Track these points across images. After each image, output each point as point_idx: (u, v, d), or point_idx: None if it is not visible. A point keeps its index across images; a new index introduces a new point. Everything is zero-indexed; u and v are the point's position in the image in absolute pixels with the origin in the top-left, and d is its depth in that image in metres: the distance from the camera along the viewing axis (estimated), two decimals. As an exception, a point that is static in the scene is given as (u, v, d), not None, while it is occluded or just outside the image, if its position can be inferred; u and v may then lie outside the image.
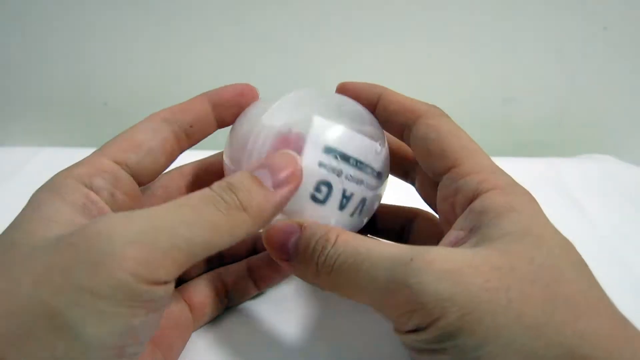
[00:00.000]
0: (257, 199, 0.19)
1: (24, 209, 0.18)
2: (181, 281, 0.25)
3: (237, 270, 0.27)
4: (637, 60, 0.49)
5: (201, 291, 0.25)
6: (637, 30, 0.47)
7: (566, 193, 0.40)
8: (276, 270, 0.27)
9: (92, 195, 0.19)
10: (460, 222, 0.20)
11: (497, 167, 0.21)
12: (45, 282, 0.15)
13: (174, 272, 0.17)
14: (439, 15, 0.46)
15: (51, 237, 0.17)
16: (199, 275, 0.26)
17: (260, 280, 0.27)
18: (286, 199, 0.20)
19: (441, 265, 0.17)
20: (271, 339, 0.25)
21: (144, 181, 0.22)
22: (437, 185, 0.22)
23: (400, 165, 0.26)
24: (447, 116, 0.23)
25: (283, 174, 0.20)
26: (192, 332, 0.25)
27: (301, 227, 0.20)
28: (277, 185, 0.20)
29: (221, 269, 0.27)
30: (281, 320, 0.26)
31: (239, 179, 0.19)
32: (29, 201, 0.19)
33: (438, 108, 0.23)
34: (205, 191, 0.19)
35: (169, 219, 0.17)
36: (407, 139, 0.23)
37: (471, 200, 0.20)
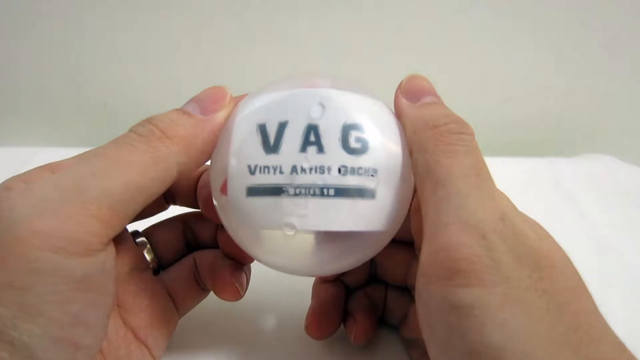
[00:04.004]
0: (183, 125, 0.17)
1: None
2: (160, 268, 0.24)
3: (213, 253, 0.24)
4: (637, 60, 0.49)
5: (182, 280, 0.24)
6: (637, 30, 0.47)
7: (566, 193, 0.40)
8: None
9: None
10: None
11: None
12: None
13: (102, 233, 0.15)
14: (438, 15, 0.46)
15: None
16: (178, 260, 0.24)
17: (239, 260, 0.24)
18: (219, 125, 0.18)
19: None
20: (257, 322, 0.25)
21: None
22: None
23: None
24: (453, 149, 0.18)
25: (213, 103, 0.19)
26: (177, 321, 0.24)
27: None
28: (207, 113, 0.18)
29: (197, 253, 0.24)
30: (268, 301, 0.26)
31: (160, 115, 0.18)
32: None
33: (452, 132, 0.18)
34: (119, 136, 0.17)
35: (75, 173, 0.15)
36: None
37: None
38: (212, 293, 0.24)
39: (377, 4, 0.45)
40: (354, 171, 0.17)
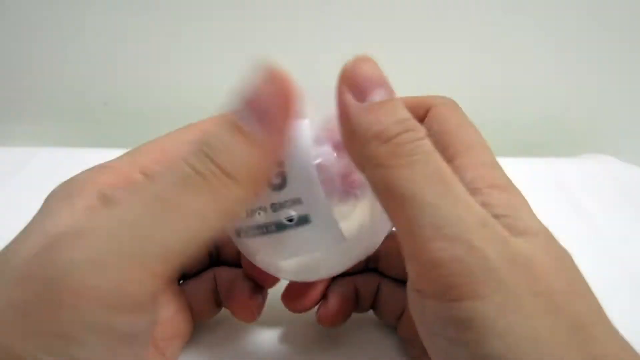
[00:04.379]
0: (247, 162, 0.15)
1: (36, 214, 0.16)
2: (184, 276, 0.24)
3: (234, 272, 0.24)
4: (637, 60, 0.49)
5: (201, 294, 0.24)
6: (637, 30, 0.47)
7: (566, 193, 0.40)
8: None
9: None
10: None
11: (498, 165, 0.18)
12: (8, 323, 0.13)
13: (158, 289, 0.14)
14: (438, 15, 0.46)
15: (27, 259, 0.14)
16: (198, 272, 0.24)
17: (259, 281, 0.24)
18: (281, 144, 0.16)
19: None
20: (266, 338, 0.25)
21: None
22: None
23: None
24: (455, 109, 0.20)
25: (281, 111, 0.15)
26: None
27: None
28: (273, 131, 0.15)
29: (218, 269, 0.24)
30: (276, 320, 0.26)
31: (214, 134, 0.15)
32: (43, 203, 0.17)
33: (450, 100, 0.21)
34: (174, 166, 0.14)
35: (135, 223, 0.14)
36: None
37: None
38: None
39: (378, 4, 0.45)
40: (283, 205, 0.18)
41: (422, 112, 0.20)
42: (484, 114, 0.51)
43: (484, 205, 0.16)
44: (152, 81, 0.49)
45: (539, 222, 0.17)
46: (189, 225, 0.14)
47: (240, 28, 0.46)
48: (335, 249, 0.19)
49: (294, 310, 0.23)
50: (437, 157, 0.16)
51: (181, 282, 0.24)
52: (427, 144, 0.16)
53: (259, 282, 0.23)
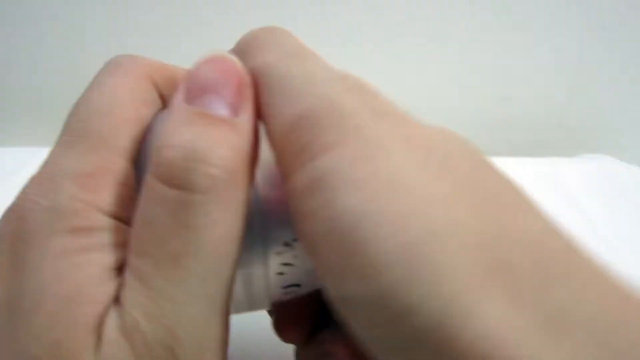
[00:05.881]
0: (216, 168, 0.12)
1: None
2: None
3: None
4: (637, 59, 0.49)
5: None
6: (636, 29, 0.47)
7: (566, 193, 0.40)
8: None
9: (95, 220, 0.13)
10: None
11: None
12: None
13: None
14: (437, 14, 0.46)
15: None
16: None
17: None
18: (250, 126, 0.13)
19: None
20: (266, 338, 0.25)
21: None
22: None
23: None
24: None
25: (237, 90, 0.13)
26: None
27: None
28: (238, 111, 0.13)
29: None
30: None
31: (166, 155, 0.12)
32: None
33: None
34: (137, 215, 0.12)
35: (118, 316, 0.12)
36: None
37: None
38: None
39: (378, 3, 0.45)
40: None
41: None
42: (483, 114, 0.51)
43: None
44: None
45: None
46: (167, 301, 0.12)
47: (240, 28, 0.46)
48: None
49: (286, 341, 0.21)
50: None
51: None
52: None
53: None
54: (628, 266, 0.34)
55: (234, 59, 0.14)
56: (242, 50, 0.15)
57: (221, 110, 0.12)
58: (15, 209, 0.13)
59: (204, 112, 0.12)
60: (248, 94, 0.13)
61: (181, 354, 0.11)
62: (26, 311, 0.11)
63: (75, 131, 0.14)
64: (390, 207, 0.11)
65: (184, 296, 0.12)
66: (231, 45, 0.16)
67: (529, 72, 0.49)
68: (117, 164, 0.13)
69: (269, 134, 0.13)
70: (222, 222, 0.12)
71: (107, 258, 0.12)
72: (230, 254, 0.12)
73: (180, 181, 0.12)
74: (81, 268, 0.12)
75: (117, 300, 0.12)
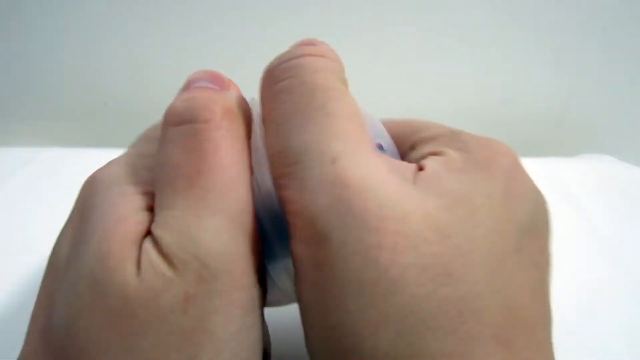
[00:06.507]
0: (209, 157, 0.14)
1: None
2: None
3: None
4: (637, 60, 0.49)
5: None
6: (636, 30, 0.47)
7: (566, 193, 0.40)
8: None
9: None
10: None
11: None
12: None
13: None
14: (437, 15, 0.46)
15: None
16: None
17: None
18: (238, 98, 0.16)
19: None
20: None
21: None
22: None
23: None
24: None
25: (217, 78, 0.17)
26: None
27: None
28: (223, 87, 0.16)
29: None
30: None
31: (163, 158, 0.15)
32: None
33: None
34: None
35: None
36: None
37: None
38: None
39: (377, 3, 0.45)
40: None
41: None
42: (483, 114, 0.51)
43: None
44: (152, 81, 0.49)
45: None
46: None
47: (240, 28, 0.46)
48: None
49: None
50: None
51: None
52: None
53: None
54: (628, 266, 0.34)
55: (224, 76, 0.17)
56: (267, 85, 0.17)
57: (211, 86, 0.16)
58: (91, 175, 0.16)
59: (198, 86, 0.16)
60: (234, 85, 0.17)
61: (211, 262, 0.13)
62: (87, 236, 0.14)
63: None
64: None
65: (204, 210, 0.13)
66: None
67: (529, 72, 0.49)
68: None
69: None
70: (225, 147, 0.14)
71: (144, 199, 0.15)
72: (241, 176, 0.14)
73: (184, 117, 0.14)
74: (128, 202, 0.15)
75: (149, 232, 0.14)
